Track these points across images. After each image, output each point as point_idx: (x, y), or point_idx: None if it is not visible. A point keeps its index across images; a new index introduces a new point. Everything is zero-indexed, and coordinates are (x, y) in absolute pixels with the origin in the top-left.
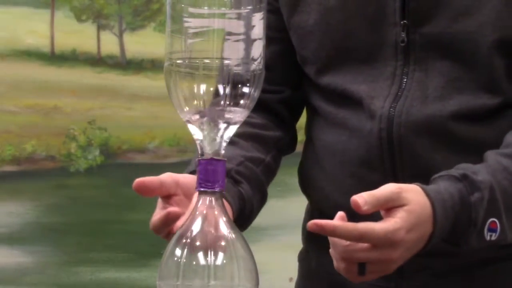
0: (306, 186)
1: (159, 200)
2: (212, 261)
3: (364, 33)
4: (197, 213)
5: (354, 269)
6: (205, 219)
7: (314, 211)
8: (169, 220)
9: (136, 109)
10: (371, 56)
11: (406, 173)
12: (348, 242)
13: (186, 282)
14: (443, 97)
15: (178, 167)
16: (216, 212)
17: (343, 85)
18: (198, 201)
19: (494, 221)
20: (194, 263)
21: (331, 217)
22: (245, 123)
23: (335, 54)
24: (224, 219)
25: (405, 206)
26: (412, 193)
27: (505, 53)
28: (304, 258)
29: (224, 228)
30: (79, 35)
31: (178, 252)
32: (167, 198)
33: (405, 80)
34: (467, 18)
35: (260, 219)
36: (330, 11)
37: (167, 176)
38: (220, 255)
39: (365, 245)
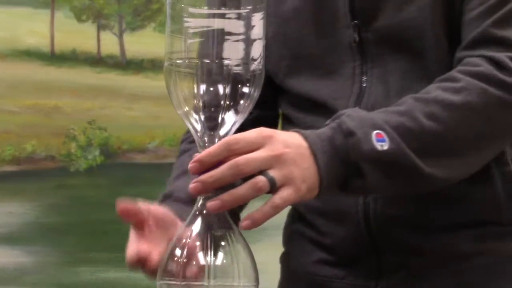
0: None
1: (132, 231)
2: (212, 261)
3: (319, 38)
4: (197, 213)
5: (263, 184)
6: (204, 219)
7: (294, 215)
8: (141, 259)
9: (136, 109)
10: (329, 60)
11: None
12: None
13: (186, 282)
14: (404, 89)
15: None
16: (215, 212)
17: (307, 92)
18: (198, 201)
19: (379, 132)
20: (194, 263)
21: (310, 221)
22: None
23: (294, 62)
24: (224, 219)
25: None
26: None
27: (448, 32)
28: (284, 260)
29: (223, 228)
30: (79, 35)
31: (178, 252)
32: (141, 227)
33: (364, 78)
34: (409, 5)
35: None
36: (286, 21)
37: (141, 203)
38: (220, 255)
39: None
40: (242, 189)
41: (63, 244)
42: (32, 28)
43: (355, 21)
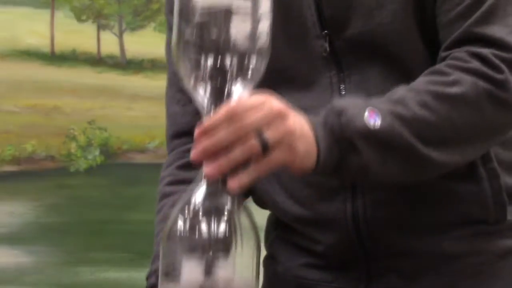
0: (263, 203)
1: None
2: (215, 230)
3: (292, 50)
4: (201, 182)
5: (254, 145)
6: (207, 189)
7: (276, 222)
8: None
9: (136, 109)
10: (304, 72)
11: None
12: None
13: (188, 254)
14: (385, 92)
15: None
16: (219, 184)
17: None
18: (201, 170)
19: (371, 109)
20: (197, 233)
21: (295, 228)
22: (181, 182)
23: (268, 77)
24: (226, 188)
25: None
26: None
27: (423, 35)
28: (269, 263)
29: (226, 197)
30: (79, 35)
31: (180, 223)
32: None
33: (342, 86)
34: (380, 11)
35: (260, 219)
36: None
37: None
38: (222, 224)
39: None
40: (235, 151)
41: (63, 244)
42: (32, 28)
43: (326, 31)
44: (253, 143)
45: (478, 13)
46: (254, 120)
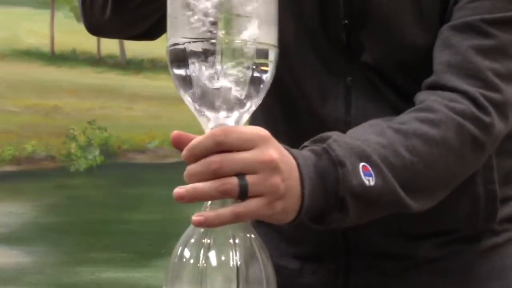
0: None
1: None
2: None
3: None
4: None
5: (231, 188)
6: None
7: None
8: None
9: (136, 109)
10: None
11: None
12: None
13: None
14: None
15: (178, 167)
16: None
17: None
18: None
19: (365, 165)
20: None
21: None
22: None
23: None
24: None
25: None
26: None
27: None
28: None
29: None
30: (79, 35)
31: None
32: None
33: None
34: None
35: None
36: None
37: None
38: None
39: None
40: (205, 186)
41: (62, 244)
42: (32, 28)
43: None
44: (231, 183)
45: (484, 42)
46: (241, 160)
